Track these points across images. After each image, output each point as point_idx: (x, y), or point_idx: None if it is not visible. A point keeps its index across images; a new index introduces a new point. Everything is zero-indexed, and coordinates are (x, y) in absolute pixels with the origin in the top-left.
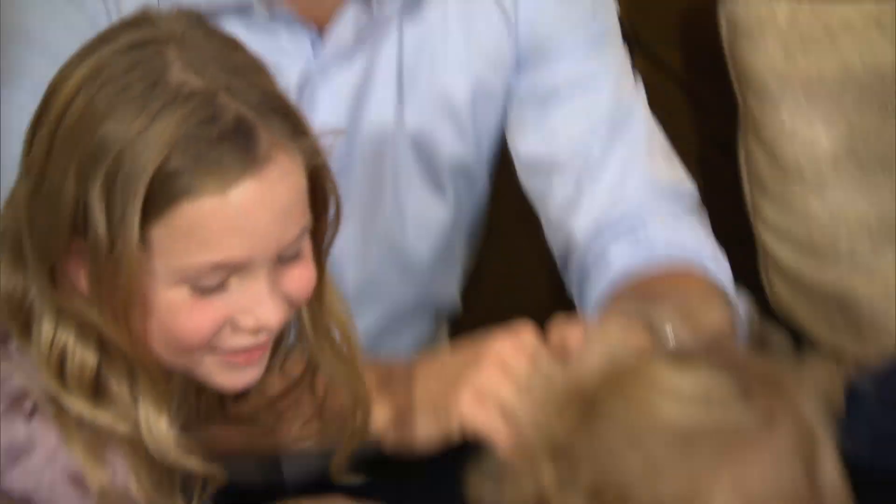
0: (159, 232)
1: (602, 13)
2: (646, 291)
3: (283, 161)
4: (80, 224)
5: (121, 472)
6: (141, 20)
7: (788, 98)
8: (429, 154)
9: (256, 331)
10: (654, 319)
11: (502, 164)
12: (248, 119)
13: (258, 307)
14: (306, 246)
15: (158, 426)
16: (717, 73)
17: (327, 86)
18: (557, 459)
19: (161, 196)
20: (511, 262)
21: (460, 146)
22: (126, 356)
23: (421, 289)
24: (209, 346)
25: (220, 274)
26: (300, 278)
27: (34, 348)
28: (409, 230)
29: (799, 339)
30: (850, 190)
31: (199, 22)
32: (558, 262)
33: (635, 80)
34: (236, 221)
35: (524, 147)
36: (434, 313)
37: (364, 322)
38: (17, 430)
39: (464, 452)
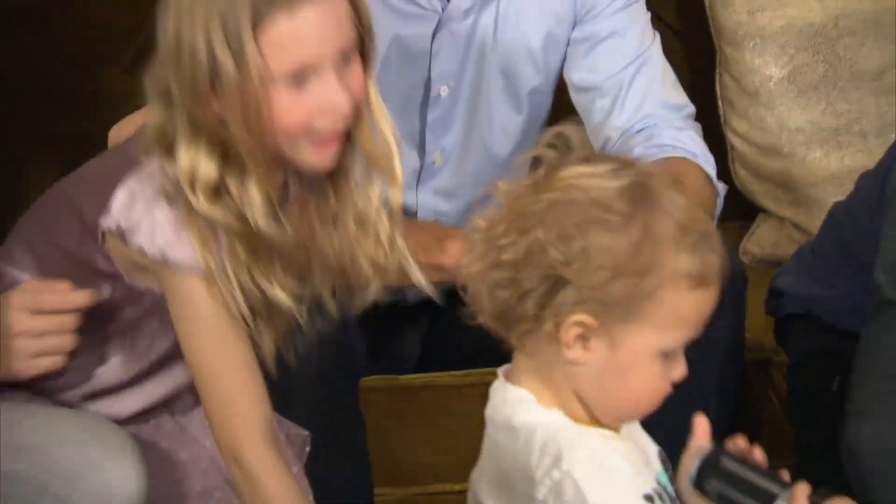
0: (261, 50)
1: None
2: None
3: None
4: (213, 70)
5: (221, 253)
6: None
7: (750, 44)
8: (513, 84)
9: (333, 111)
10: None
11: (558, 89)
12: None
13: (333, 96)
14: (357, 59)
15: (260, 207)
16: (702, 26)
17: (448, 35)
18: (554, 245)
19: (255, 25)
20: None
21: (535, 78)
22: (242, 162)
23: (501, 177)
24: (306, 130)
25: (303, 74)
26: (356, 75)
27: (173, 166)
28: (496, 136)
29: (755, 209)
30: (790, 107)
31: None
32: None
33: (653, 32)
34: (305, 34)
35: (576, 76)
36: None
37: (462, 201)
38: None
39: None
